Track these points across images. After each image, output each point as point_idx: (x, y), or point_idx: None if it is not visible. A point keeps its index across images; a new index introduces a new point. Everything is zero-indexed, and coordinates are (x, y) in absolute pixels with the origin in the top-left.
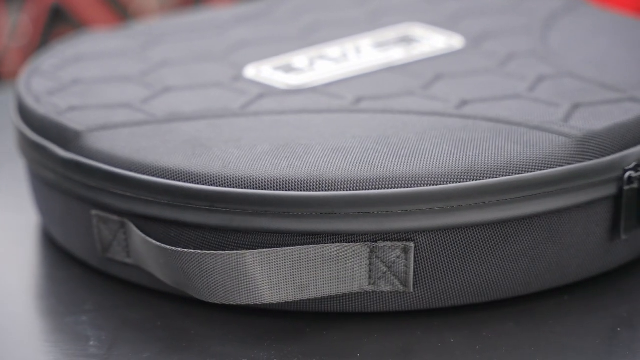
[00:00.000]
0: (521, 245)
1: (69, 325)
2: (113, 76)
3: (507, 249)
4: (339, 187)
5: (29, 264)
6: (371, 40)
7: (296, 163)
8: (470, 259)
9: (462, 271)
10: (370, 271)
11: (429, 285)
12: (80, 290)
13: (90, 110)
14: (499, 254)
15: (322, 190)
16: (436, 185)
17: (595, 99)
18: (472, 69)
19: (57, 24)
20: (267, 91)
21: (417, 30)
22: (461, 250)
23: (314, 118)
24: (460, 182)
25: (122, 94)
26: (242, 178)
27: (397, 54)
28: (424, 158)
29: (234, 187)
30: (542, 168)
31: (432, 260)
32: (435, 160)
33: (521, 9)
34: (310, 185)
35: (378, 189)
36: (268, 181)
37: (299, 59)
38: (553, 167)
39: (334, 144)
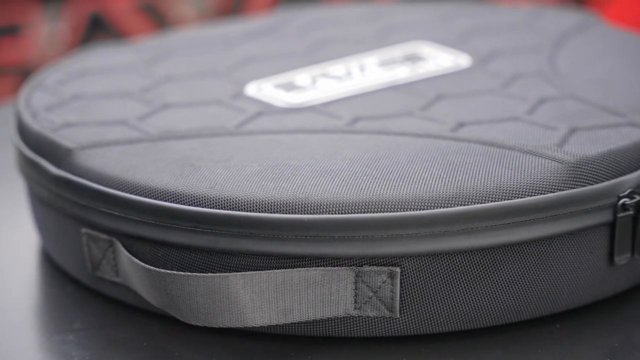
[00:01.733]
0: (511, 272)
1: (55, 344)
2: (114, 92)
3: (496, 275)
4: (324, 210)
5: (25, 280)
6: (377, 58)
7: (283, 185)
8: (458, 285)
9: (449, 297)
10: (355, 296)
11: (416, 311)
12: (72, 308)
13: (86, 127)
14: (487, 281)
15: (308, 213)
16: (423, 210)
17: (593, 123)
18: (474, 90)
19: (96, 32)
20: (265, 109)
21: (425, 48)
22: (449, 276)
23: (308, 138)
24: (447, 207)
25: (120, 111)
26: (227, 199)
27: (402, 73)
28: (412, 182)
29: (219, 209)
30: (533, 194)
31: (419, 286)
32: (423, 185)
33: (534, 27)
34: (296, 208)
35: (364, 213)
36: (253, 203)
37: (302, 76)
38: (544, 193)
39: (324, 166)
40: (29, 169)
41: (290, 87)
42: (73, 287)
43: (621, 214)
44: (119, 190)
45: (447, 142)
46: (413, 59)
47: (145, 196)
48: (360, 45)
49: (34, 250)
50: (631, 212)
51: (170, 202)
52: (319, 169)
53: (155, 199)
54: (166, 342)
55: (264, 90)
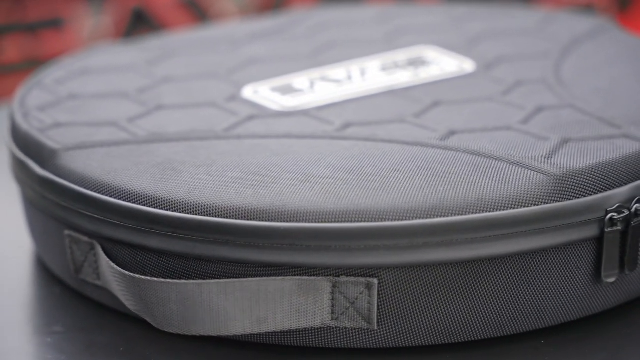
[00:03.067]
0: (492, 286)
1: (33, 347)
2: (111, 92)
3: (477, 289)
4: (301, 218)
5: (15, 281)
6: (380, 62)
7: (261, 192)
8: (437, 298)
9: (429, 310)
10: (332, 306)
11: (395, 323)
12: (55, 310)
13: (75, 127)
14: (468, 294)
15: (285, 222)
16: (401, 220)
17: (587, 134)
18: (472, 97)
19: (139, 26)
20: (258, 113)
21: (430, 53)
22: (428, 288)
23: (295, 144)
24: (426, 218)
25: (112, 112)
26: (204, 205)
27: (403, 78)
28: (393, 192)
29: (196, 214)
30: (516, 206)
31: (398, 298)
32: (403, 195)
33: (546, 32)
34: (273, 216)
35: (341, 223)
36: (230, 210)
37: (301, 79)
38: (527, 206)
39: (305, 173)
40: (18, 170)
41: (287, 90)
42: (60, 288)
43: (609, 229)
44: (99, 192)
45: (434, 151)
46: (416, 63)
47: (124, 200)
48: (367, 49)
49: (28, 252)
50: (619, 228)
51: (149, 206)
52: (300, 175)
53: (134, 202)
54: (144, 348)
55: (260, 92)
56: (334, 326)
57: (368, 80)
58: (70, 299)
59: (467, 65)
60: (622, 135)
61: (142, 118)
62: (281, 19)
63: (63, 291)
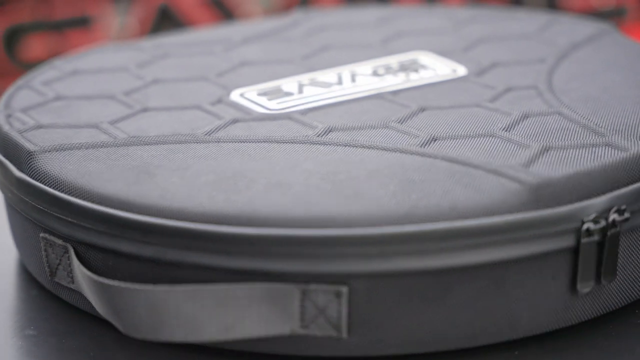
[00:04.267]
0: (465, 296)
1: (3, 350)
2: (98, 94)
3: (450, 298)
4: (271, 225)
5: None
6: (372, 66)
7: (233, 197)
8: (409, 307)
9: (400, 319)
10: (302, 314)
11: (366, 332)
12: (30, 312)
13: (56, 129)
14: (440, 304)
15: (255, 228)
16: (372, 228)
17: (570, 142)
18: (460, 103)
19: (164, 24)
20: (242, 116)
21: (424, 57)
22: (399, 297)
23: (273, 148)
24: (398, 226)
25: (96, 114)
26: (175, 210)
27: (392, 82)
28: (365, 199)
29: (167, 219)
30: (489, 215)
31: (368, 307)
32: (375, 202)
33: (545, 37)
34: (243, 222)
35: (311, 230)
36: (201, 215)
37: (290, 82)
38: (501, 215)
39: (280, 178)
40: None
41: (275, 93)
42: (38, 291)
43: (585, 240)
44: (73, 195)
45: (412, 158)
46: (409, 68)
47: (97, 203)
48: (361, 53)
49: (13, 254)
50: (596, 238)
51: (121, 210)
52: (274, 181)
53: (106, 206)
54: (114, 353)
55: (247, 96)
56: (303, 334)
57: (358, 85)
58: (46, 302)
59: (460, 71)
60: (604, 144)
61: (124, 120)
62: (280, 20)
63: (40, 294)
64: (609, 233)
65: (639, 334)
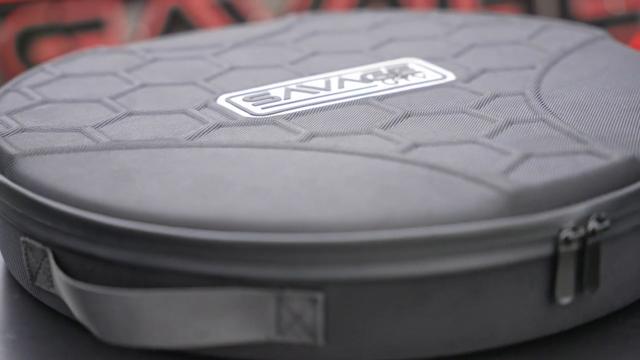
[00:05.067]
0: (442, 304)
1: None
2: (85, 98)
3: (427, 306)
4: (247, 230)
5: None
6: (361, 72)
7: (210, 202)
8: (386, 314)
9: (378, 327)
10: (277, 321)
11: (342, 339)
12: (11, 316)
13: (39, 132)
14: (417, 312)
15: (230, 233)
16: (347, 234)
17: (551, 149)
18: (445, 109)
19: (175, 27)
20: (226, 121)
21: (413, 64)
22: (376, 304)
23: (255, 153)
24: (373, 233)
25: (80, 117)
26: (153, 215)
27: (380, 88)
28: (342, 205)
29: (143, 224)
30: (465, 223)
31: (345, 314)
32: (352, 208)
33: (537, 43)
34: (219, 227)
35: (285, 235)
36: (178, 220)
37: (278, 88)
38: (477, 222)
39: (258, 184)
40: None
41: (261, 98)
42: (20, 295)
43: (563, 249)
44: (52, 200)
45: (392, 164)
46: (398, 74)
47: (75, 207)
48: (351, 58)
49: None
50: (575, 247)
51: (98, 215)
52: (251, 186)
53: (84, 210)
54: (90, 358)
55: (233, 100)
56: (279, 341)
57: (345, 90)
58: (28, 306)
59: (449, 77)
60: (586, 151)
61: (109, 124)
62: (273, 25)
63: (22, 298)
64: (589, 242)
65: (621, 344)
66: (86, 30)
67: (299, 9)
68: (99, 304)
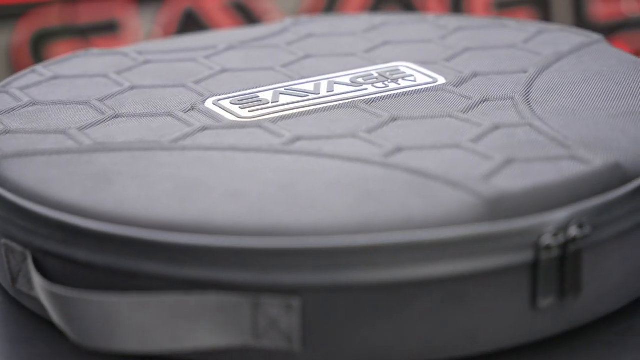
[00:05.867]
0: (420, 310)
1: None
2: (73, 100)
3: (405, 312)
4: (224, 234)
5: None
6: (352, 75)
7: (188, 206)
8: (364, 320)
9: (355, 333)
10: (254, 326)
11: (320, 345)
12: None
13: (23, 134)
14: (395, 318)
15: (206, 237)
16: (323, 238)
17: (535, 154)
18: (433, 113)
19: (189, 28)
20: (212, 124)
21: (405, 68)
22: (353, 310)
23: (238, 157)
24: (349, 237)
25: (66, 119)
26: (130, 218)
27: (369, 91)
28: (319, 209)
29: (121, 227)
30: (444, 228)
31: (322, 319)
32: (329, 213)
33: (532, 47)
34: (196, 231)
35: (261, 239)
36: (155, 223)
37: (267, 90)
38: (455, 228)
39: (237, 188)
40: None
41: (249, 101)
42: (3, 297)
43: (544, 255)
44: (31, 202)
45: (373, 169)
46: (388, 77)
47: (55, 210)
48: (344, 61)
49: None
50: (555, 254)
51: (76, 217)
52: (230, 190)
53: (62, 213)
54: None
55: (221, 103)
56: (256, 346)
57: (334, 94)
58: (9, 309)
59: (440, 81)
60: (569, 157)
61: (94, 127)
62: (269, 28)
63: (5, 300)
64: (570, 248)
65: (604, 351)
66: (100, 32)
67: (313, 10)
68: (74, 308)
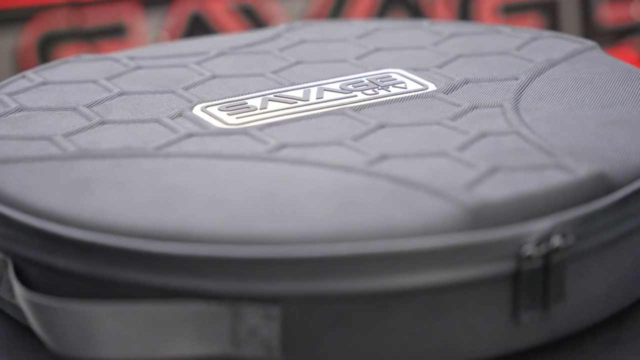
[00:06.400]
0: (400, 320)
1: None
2: (61, 106)
3: (385, 322)
4: (203, 242)
5: None
6: (342, 82)
7: (167, 214)
8: (343, 329)
9: (335, 342)
10: (233, 335)
11: (299, 354)
12: None
13: (7, 141)
14: (376, 327)
15: (185, 245)
16: (302, 247)
17: (519, 163)
18: (421, 120)
19: (196, 32)
20: (198, 131)
21: (396, 74)
22: (333, 319)
23: (221, 164)
24: (328, 246)
25: (52, 126)
26: (109, 226)
27: (358, 98)
28: (299, 218)
29: (99, 235)
30: (425, 237)
31: (302, 328)
32: (309, 221)
33: (525, 54)
34: (175, 239)
35: (240, 248)
36: (133, 231)
37: (255, 97)
38: (435, 237)
39: (217, 196)
40: None
41: (237, 108)
42: None
43: (526, 265)
44: (12, 209)
45: (356, 177)
46: (378, 84)
47: (34, 217)
48: (335, 68)
49: None
50: (538, 264)
51: (55, 224)
52: (210, 198)
53: (42, 220)
54: None
55: (209, 110)
56: (236, 356)
57: (323, 101)
58: None
59: (430, 87)
60: (554, 166)
61: (79, 133)
62: (262, 33)
63: None
64: (553, 258)
65: None
66: (107, 35)
67: (320, 14)
68: (52, 317)
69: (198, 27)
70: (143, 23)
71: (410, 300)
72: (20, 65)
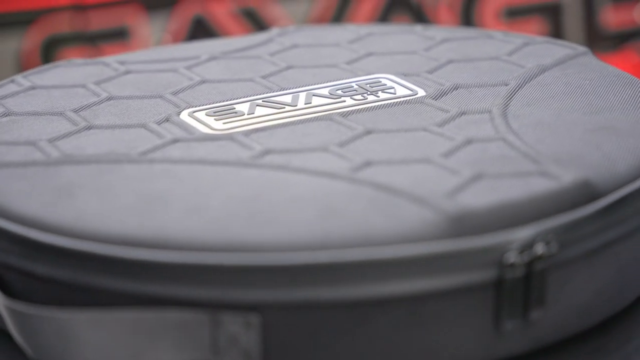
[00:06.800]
0: (381, 328)
1: None
2: (48, 111)
3: (365, 331)
4: (182, 249)
5: None
6: (331, 87)
7: (147, 221)
8: (323, 338)
9: (315, 349)
10: (213, 343)
11: None
12: None
13: None
14: (355, 335)
15: (164, 252)
16: (281, 255)
17: (504, 170)
18: (408, 126)
19: (199, 35)
20: (183, 136)
21: (386, 80)
22: (313, 327)
23: (204, 170)
24: (307, 254)
25: (37, 131)
26: (89, 233)
27: (347, 104)
28: (280, 225)
29: (79, 241)
30: (405, 245)
31: (282, 336)
32: (288, 228)
33: (517, 59)
34: (154, 246)
35: (219, 255)
36: (113, 238)
37: (243, 102)
38: (416, 245)
39: (198, 202)
40: None
41: (224, 113)
42: None
43: (508, 273)
44: None
45: (339, 184)
46: (368, 90)
47: (15, 223)
48: (325, 73)
49: None
50: (520, 272)
51: (35, 231)
52: (192, 205)
53: (22, 226)
54: None
55: (196, 115)
56: None
57: (311, 106)
58: None
59: (419, 93)
60: (539, 173)
61: (65, 138)
62: (254, 38)
63: None
64: (535, 266)
65: None
66: (110, 38)
67: (322, 18)
68: (31, 324)
69: (201, 30)
70: (146, 26)
71: (392, 309)
72: (23, 67)
